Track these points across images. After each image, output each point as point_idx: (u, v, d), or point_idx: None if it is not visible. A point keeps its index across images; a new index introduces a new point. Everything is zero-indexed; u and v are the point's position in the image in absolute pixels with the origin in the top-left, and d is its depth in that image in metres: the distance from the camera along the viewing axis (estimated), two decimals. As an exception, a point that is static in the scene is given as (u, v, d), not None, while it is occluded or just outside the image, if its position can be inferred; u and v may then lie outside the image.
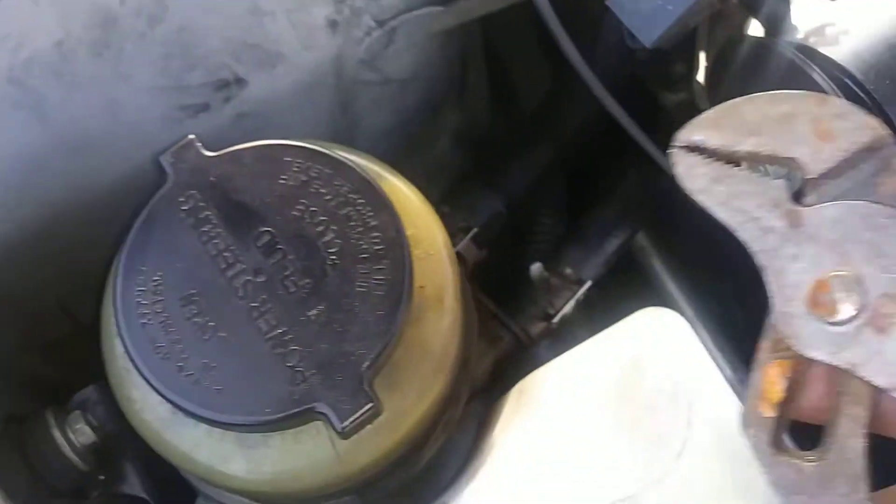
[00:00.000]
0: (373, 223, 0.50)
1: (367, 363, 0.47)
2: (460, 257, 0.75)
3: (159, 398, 0.49)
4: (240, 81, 0.62)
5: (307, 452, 0.51)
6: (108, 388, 0.55)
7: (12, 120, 0.56)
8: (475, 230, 0.75)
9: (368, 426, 0.50)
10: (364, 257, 0.50)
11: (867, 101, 0.63)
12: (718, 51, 0.69)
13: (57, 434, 0.55)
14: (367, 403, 0.47)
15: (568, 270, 0.72)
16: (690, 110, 0.68)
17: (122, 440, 0.59)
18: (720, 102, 0.49)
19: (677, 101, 0.81)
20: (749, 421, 0.42)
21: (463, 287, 0.58)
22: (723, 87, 0.70)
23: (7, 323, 0.62)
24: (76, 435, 0.56)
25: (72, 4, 0.52)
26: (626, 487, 0.54)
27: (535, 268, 0.70)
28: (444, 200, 0.79)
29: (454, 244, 0.72)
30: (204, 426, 0.50)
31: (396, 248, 0.50)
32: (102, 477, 0.59)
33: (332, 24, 0.64)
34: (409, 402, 0.53)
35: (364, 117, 0.77)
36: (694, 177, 0.43)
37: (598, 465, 0.54)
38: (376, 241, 0.50)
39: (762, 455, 0.42)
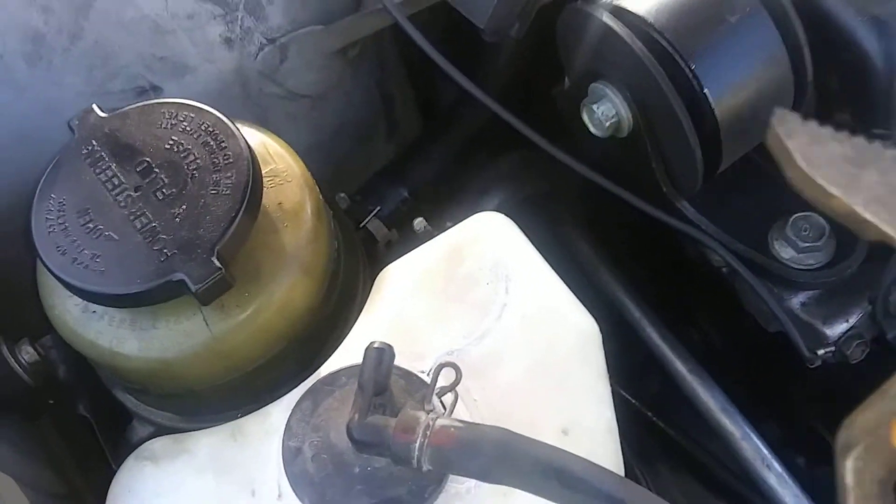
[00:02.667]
0: (224, 145, 0.63)
1: (215, 241, 0.59)
2: (370, 234, 0.87)
3: (72, 301, 0.62)
4: (156, 88, 0.77)
5: (186, 331, 0.61)
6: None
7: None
8: (378, 208, 0.87)
9: (238, 311, 0.61)
10: (217, 169, 0.62)
11: (667, 49, 0.73)
12: (535, 19, 0.80)
13: (4, 350, 0.67)
14: (216, 271, 0.58)
15: (449, 224, 0.82)
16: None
17: (69, 367, 0.70)
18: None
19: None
20: (860, 443, 0.27)
21: (323, 210, 0.69)
22: (543, 54, 0.82)
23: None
24: (22, 353, 0.68)
25: (6, 23, 0.68)
26: (454, 343, 0.62)
27: (418, 222, 0.81)
28: (358, 191, 0.91)
29: (363, 223, 0.84)
30: (107, 317, 0.62)
31: (241, 161, 0.62)
32: (52, 401, 0.71)
33: (227, 41, 0.79)
34: (269, 292, 0.63)
35: (284, 132, 0.90)
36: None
37: (432, 329, 0.63)
38: (227, 157, 0.62)
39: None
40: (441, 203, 0.89)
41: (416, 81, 1.02)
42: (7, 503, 0.63)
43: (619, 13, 0.74)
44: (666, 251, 1.09)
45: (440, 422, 0.52)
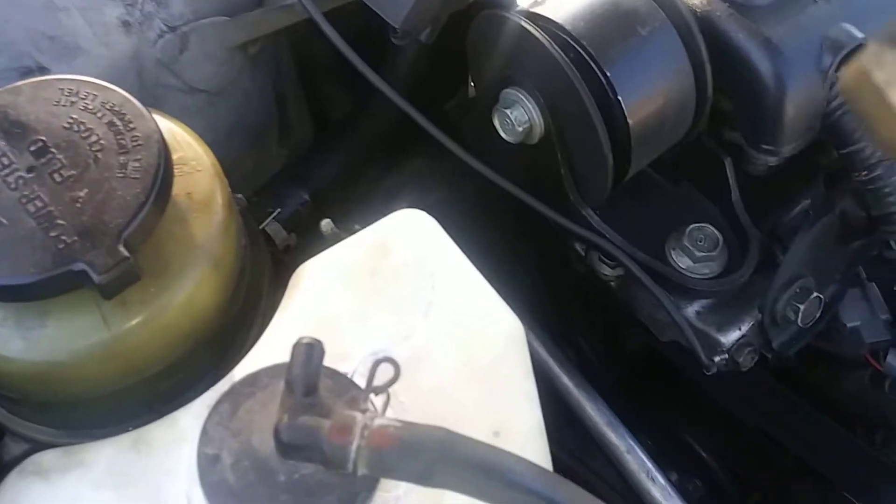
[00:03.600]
0: (132, 126, 0.56)
1: (122, 228, 0.52)
2: (268, 236, 0.81)
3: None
4: (42, 69, 0.69)
5: (80, 330, 0.54)
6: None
7: None
8: (278, 210, 0.82)
9: (141, 308, 0.55)
10: (123, 151, 0.55)
11: (584, 56, 0.73)
12: (447, 25, 0.78)
13: None
14: (122, 260, 0.51)
15: (357, 227, 0.79)
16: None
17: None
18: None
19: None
20: None
21: (233, 203, 0.63)
22: (457, 60, 0.80)
23: None
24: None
25: None
26: (380, 343, 0.58)
27: (325, 223, 0.76)
28: (257, 193, 0.86)
29: (262, 226, 0.79)
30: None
31: (151, 143, 0.56)
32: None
33: (126, 25, 0.72)
34: (176, 287, 0.57)
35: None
36: None
37: (355, 328, 0.59)
38: (135, 139, 0.56)
39: None
40: (346, 206, 0.85)
41: (309, 85, 0.98)
42: None
43: (536, 19, 0.73)
44: (553, 266, 1.09)
45: (378, 422, 0.48)
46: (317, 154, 0.87)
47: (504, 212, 1.02)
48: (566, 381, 1.06)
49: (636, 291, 0.87)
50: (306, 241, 0.81)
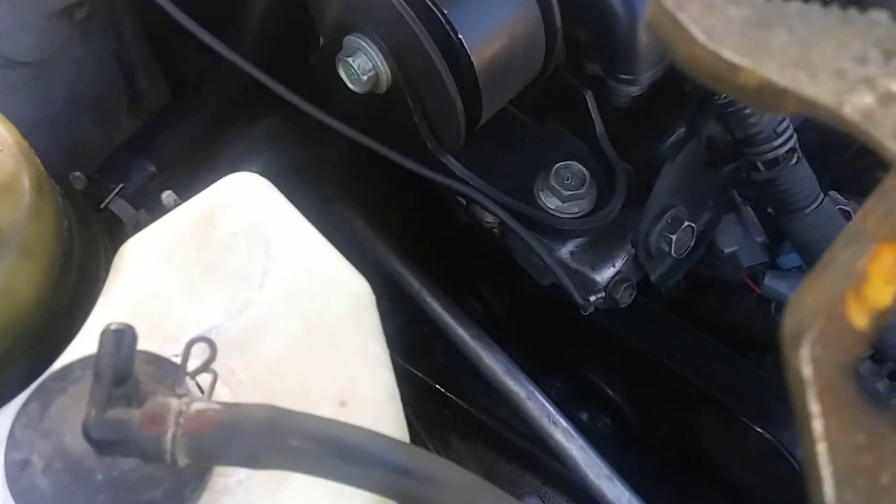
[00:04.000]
0: None
1: None
2: (114, 215, 0.76)
3: None
4: None
5: None
6: None
7: None
8: (121, 186, 0.76)
9: None
10: None
11: (431, 7, 0.69)
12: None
13: None
14: None
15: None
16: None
17: None
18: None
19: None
20: (814, 326, 0.22)
21: (46, 184, 0.58)
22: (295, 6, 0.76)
23: None
24: None
25: None
26: (211, 319, 0.54)
27: (167, 195, 0.72)
28: (98, 170, 0.80)
29: (105, 203, 0.74)
30: None
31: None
32: None
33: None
34: (-18, 280, 0.52)
35: (2, 106, 0.77)
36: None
37: (184, 307, 0.55)
38: None
39: (826, 397, 0.22)
40: (192, 175, 0.80)
41: (159, 50, 0.92)
42: None
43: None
44: (440, 219, 1.07)
45: (195, 406, 0.44)
46: (162, 121, 0.82)
47: (379, 166, 0.99)
48: (461, 332, 1.04)
49: (513, 238, 0.85)
50: (157, 217, 0.76)
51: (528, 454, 1.19)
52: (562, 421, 1.01)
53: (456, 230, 1.03)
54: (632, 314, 1.10)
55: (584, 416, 1.22)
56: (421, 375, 1.22)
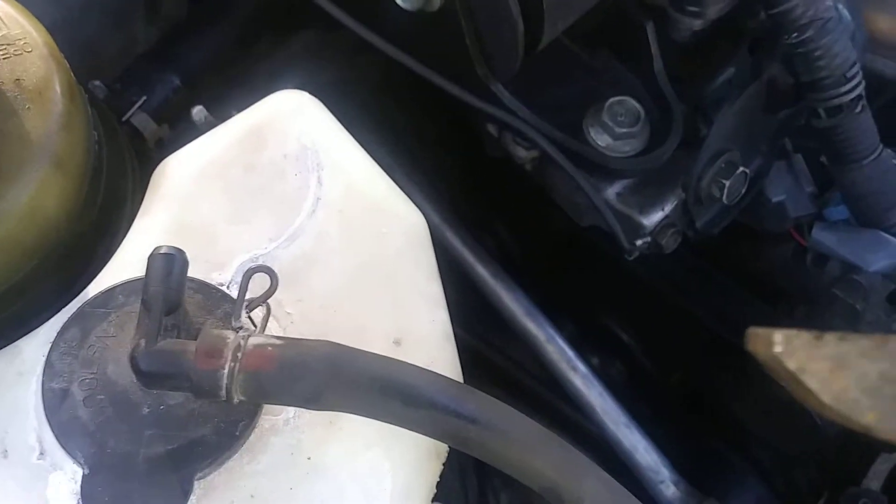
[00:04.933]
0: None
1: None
2: (135, 130, 0.72)
3: None
4: None
5: None
6: None
7: None
8: (144, 98, 0.72)
9: None
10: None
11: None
12: None
13: None
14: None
15: (235, 113, 0.70)
16: None
17: None
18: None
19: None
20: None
21: (77, 90, 0.54)
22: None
23: None
24: None
25: None
26: (259, 246, 0.51)
27: (198, 111, 0.67)
28: (119, 79, 0.75)
29: (126, 117, 0.69)
30: None
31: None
32: None
33: None
34: (13, 193, 0.48)
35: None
36: None
37: (230, 233, 0.51)
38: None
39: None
40: (222, 91, 0.75)
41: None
42: None
43: None
44: (466, 150, 1.03)
45: (253, 340, 0.41)
46: (188, 31, 0.77)
47: (409, 92, 0.94)
48: (482, 271, 1.01)
49: (553, 173, 0.81)
50: (181, 134, 0.72)
51: (539, 397, 1.17)
52: (581, 367, 1.00)
53: (480, 161, 0.99)
54: (656, 256, 1.08)
55: (596, 361, 1.20)
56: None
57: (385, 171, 0.99)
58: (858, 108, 0.75)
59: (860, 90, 0.75)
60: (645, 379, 1.24)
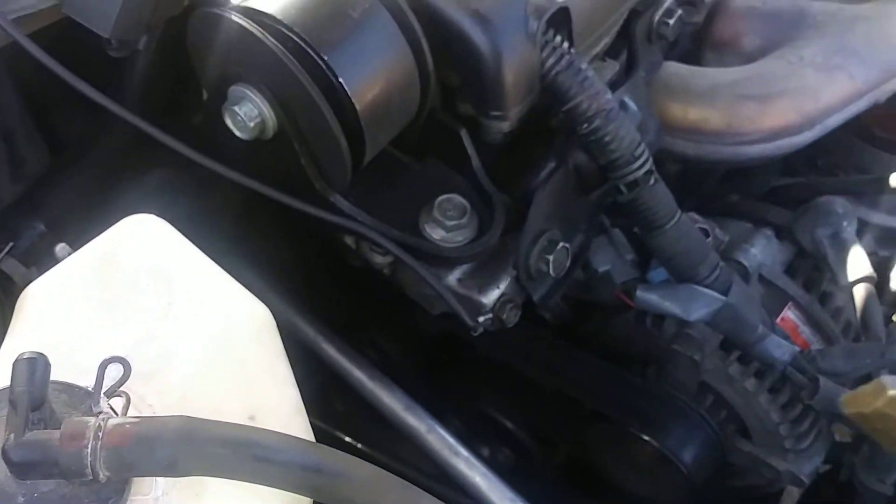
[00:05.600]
0: None
1: None
2: (5, 274, 0.78)
3: None
4: None
5: None
6: None
7: None
8: (11, 245, 0.79)
9: None
10: None
11: (301, 44, 0.75)
12: (165, 28, 0.78)
13: None
14: None
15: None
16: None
17: None
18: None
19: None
20: None
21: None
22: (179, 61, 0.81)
23: None
24: None
25: None
26: (119, 351, 0.57)
27: (61, 248, 0.74)
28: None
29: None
30: None
31: None
32: None
33: None
34: None
35: None
36: None
37: (91, 344, 0.58)
38: None
39: None
40: (84, 230, 0.82)
41: (37, 112, 0.94)
42: None
43: (250, 14, 0.75)
44: (331, 266, 1.11)
45: (113, 421, 0.47)
46: (49, 180, 0.84)
47: (271, 217, 1.03)
48: (359, 374, 1.08)
49: (404, 271, 0.91)
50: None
51: (434, 493, 1.22)
52: (462, 451, 1.06)
53: (347, 276, 1.07)
54: (521, 342, 1.18)
55: (486, 451, 1.27)
56: (321, 424, 1.25)
57: (258, 297, 1.06)
58: (652, 181, 0.89)
59: (650, 165, 0.88)
60: (532, 460, 1.32)
